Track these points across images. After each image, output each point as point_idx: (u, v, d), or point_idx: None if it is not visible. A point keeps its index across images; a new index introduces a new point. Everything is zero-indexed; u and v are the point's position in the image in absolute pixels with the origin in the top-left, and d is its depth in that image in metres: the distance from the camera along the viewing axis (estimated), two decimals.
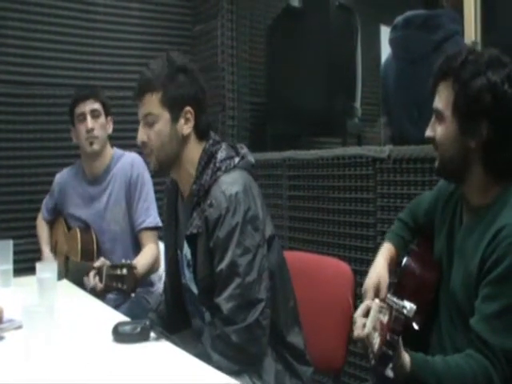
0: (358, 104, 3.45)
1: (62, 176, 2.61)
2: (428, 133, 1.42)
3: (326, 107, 3.28)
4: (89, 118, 2.39)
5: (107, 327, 1.44)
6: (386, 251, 1.61)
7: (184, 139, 1.60)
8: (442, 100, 1.37)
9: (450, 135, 1.36)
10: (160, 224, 2.35)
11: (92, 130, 2.39)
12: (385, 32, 4.40)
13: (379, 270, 1.55)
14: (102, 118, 2.43)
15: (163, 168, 1.64)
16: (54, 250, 2.60)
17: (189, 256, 1.59)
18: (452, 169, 1.40)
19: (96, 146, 2.41)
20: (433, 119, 1.41)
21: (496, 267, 1.26)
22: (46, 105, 3.22)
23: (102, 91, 2.52)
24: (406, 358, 1.24)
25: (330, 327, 1.75)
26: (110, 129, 2.48)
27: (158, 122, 1.58)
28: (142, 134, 1.61)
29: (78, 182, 2.53)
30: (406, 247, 1.62)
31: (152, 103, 1.58)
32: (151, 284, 2.47)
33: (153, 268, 2.34)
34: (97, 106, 2.42)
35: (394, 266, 1.59)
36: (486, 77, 1.29)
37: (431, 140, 1.41)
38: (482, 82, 1.29)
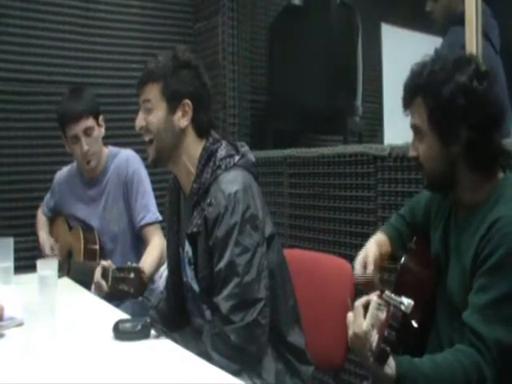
0: (358, 102, 3.45)
1: (61, 175, 2.59)
2: (411, 153, 1.43)
3: (327, 105, 3.28)
4: (83, 139, 2.28)
5: (108, 325, 1.44)
6: (375, 236, 1.65)
7: (181, 132, 1.60)
8: (416, 117, 1.37)
9: (432, 149, 1.36)
10: (160, 218, 2.33)
11: (88, 151, 2.30)
12: (385, 30, 4.40)
13: (367, 246, 1.59)
14: (96, 130, 2.33)
15: (161, 158, 1.63)
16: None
17: (190, 254, 1.59)
18: (442, 180, 1.41)
19: (93, 163, 2.36)
20: (413, 138, 1.42)
21: (489, 259, 1.25)
22: (46, 102, 3.20)
23: (88, 95, 2.35)
24: (391, 363, 1.20)
25: (331, 325, 1.75)
26: (103, 131, 2.39)
27: (155, 110, 1.60)
28: (140, 120, 1.63)
29: (76, 183, 2.51)
30: (399, 237, 1.64)
31: (152, 92, 1.60)
32: (152, 282, 2.46)
33: (160, 262, 2.29)
34: (89, 122, 2.28)
35: (386, 247, 1.62)
36: (454, 81, 1.29)
37: (415, 159, 1.42)
38: (451, 87, 1.29)
